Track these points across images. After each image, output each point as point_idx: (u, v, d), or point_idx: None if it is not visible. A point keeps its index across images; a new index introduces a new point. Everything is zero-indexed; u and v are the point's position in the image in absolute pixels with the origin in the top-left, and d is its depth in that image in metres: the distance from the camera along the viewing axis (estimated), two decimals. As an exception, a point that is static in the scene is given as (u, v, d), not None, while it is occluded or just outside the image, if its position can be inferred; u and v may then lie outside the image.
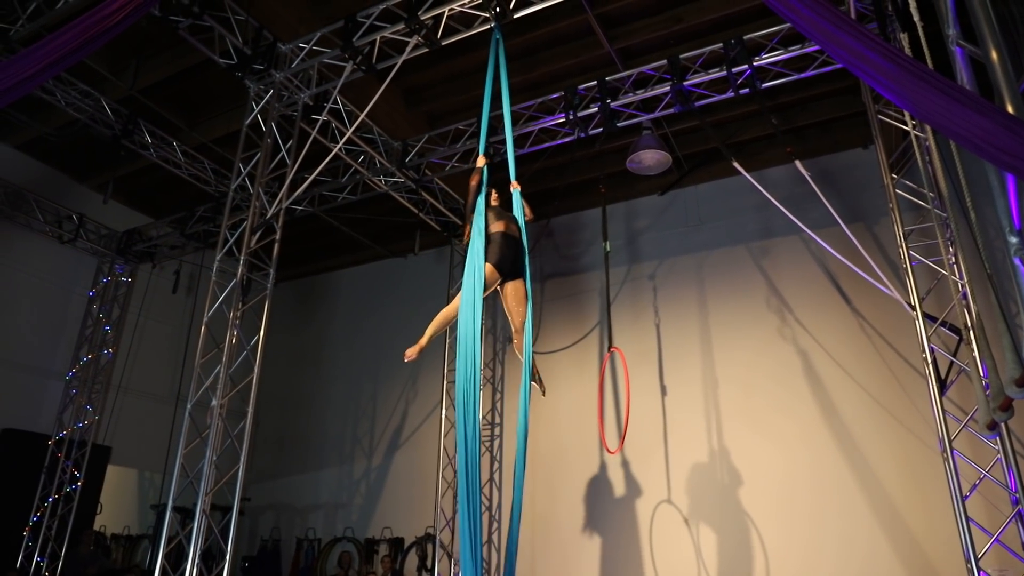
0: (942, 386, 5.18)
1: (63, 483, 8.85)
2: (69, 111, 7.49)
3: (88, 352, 9.55)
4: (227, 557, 5.59)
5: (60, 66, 4.60)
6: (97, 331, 9.69)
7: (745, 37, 6.26)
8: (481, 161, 4.59)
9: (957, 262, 5.28)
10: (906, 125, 5.76)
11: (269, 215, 6.51)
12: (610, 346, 7.02)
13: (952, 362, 5.30)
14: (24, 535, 8.47)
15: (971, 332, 4.99)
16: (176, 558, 6.43)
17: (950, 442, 4.97)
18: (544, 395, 4.70)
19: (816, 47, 5.98)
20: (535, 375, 4.58)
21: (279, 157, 6.80)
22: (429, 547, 8.99)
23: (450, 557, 8.45)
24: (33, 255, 9.20)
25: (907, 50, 5.44)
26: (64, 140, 8.41)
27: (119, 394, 9.47)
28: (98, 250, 9.85)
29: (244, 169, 6.66)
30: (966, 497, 4.84)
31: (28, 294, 9.14)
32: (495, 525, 8.68)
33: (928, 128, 5.42)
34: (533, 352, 4.35)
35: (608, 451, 6.72)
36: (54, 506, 8.73)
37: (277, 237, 6.58)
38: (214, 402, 5.79)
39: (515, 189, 4.69)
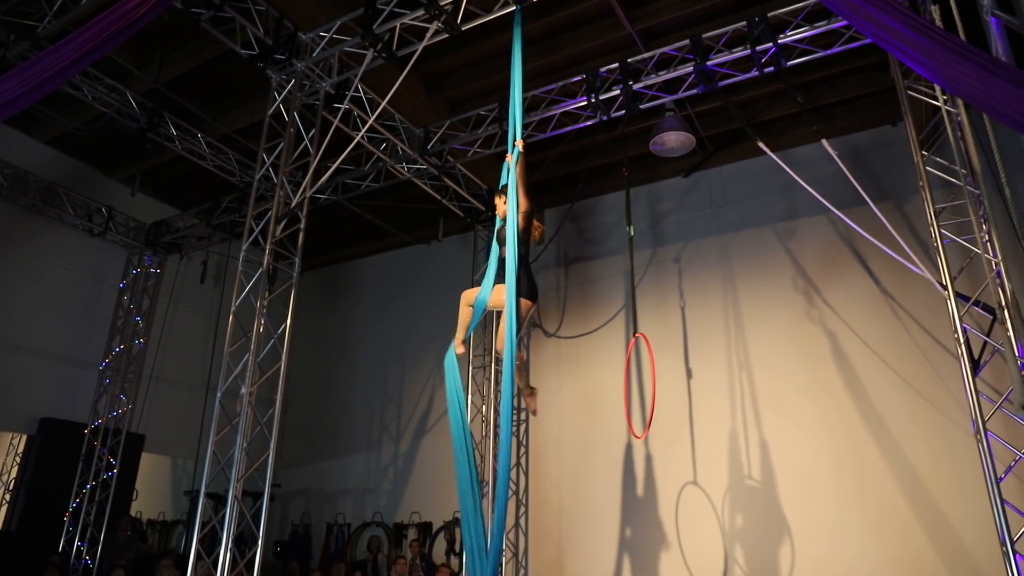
0: (975, 366, 5.09)
1: (100, 470, 9.08)
2: (96, 105, 7.59)
3: (120, 342, 9.74)
4: (259, 542, 5.69)
5: (86, 61, 4.66)
6: (128, 322, 9.88)
7: (769, 14, 6.12)
8: (519, 145, 4.22)
9: (991, 240, 5.16)
10: (937, 100, 5.62)
11: (293, 204, 6.55)
12: (635, 331, 7.00)
13: (985, 342, 5.20)
14: (64, 521, 8.72)
15: (1005, 311, 4.88)
16: (210, 543, 6.56)
17: (984, 423, 4.89)
18: (534, 414, 4.63)
19: (843, 22, 5.84)
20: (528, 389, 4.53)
21: (302, 146, 6.83)
22: (457, 531, 9.08)
23: (478, 541, 8.51)
24: (65, 248, 9.38)
25: (938, 22, 5.30)
26: (92, 134, 8.54)
27: (151, 383, 9.66)
28: (127, 242, 10.01)
29: (268, 159, 6.71)
30: (1001, 479, 4.76)
31: (61, 286, 9.33)
32: (522, 509, 8.73)
33: (960, 102, 5.29)
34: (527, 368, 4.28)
35: (635, 436, 6.71)
36: (92, 493, 8.97)
37: (302, 226, 6.62)
38: (243, 390, 5.87)
39: (516, 147, 4.22)
